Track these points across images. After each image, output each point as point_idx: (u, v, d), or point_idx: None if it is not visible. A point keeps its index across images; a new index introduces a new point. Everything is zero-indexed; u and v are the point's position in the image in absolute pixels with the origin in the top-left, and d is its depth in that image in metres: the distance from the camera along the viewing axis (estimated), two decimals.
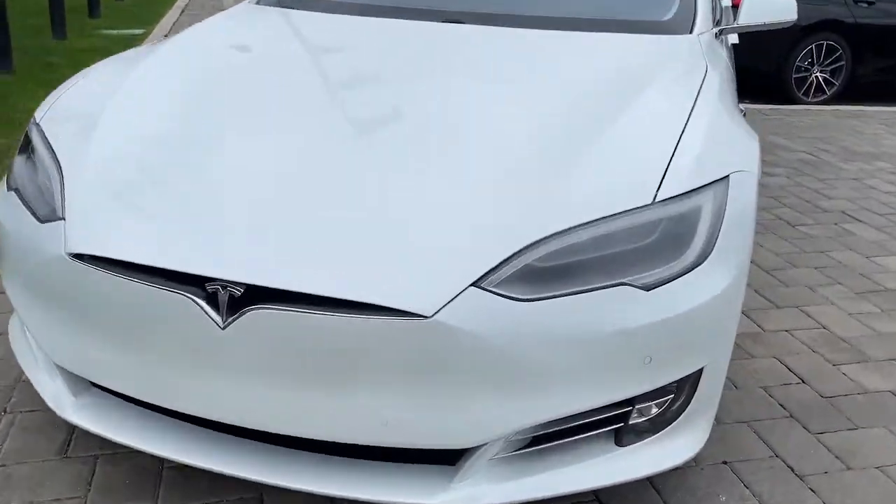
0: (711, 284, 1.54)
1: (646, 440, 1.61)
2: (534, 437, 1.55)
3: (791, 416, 2.18)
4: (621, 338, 1.45)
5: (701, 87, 1.98)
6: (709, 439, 1.73)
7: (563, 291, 1.43)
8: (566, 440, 1.56)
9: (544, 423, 1.50)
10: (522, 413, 1.45)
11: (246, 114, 1.84)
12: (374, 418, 1.44)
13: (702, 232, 1.56)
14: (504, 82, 1.99)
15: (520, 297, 1.41)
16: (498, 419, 1.44)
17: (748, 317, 2.72)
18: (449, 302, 1.37)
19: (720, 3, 2.89)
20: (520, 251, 1.44)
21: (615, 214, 1.50)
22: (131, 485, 1.77)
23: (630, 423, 1.58)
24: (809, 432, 2.11)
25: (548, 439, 1.55)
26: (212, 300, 1.41)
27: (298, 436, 1.48)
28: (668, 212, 1.54)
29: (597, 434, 1.58)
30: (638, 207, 1.52)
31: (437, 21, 2.43)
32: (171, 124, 1.81)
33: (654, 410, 1.60)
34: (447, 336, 1.36)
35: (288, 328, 1.38)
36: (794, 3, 2.69)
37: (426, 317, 1.36)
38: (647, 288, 1.47)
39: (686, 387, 1.61)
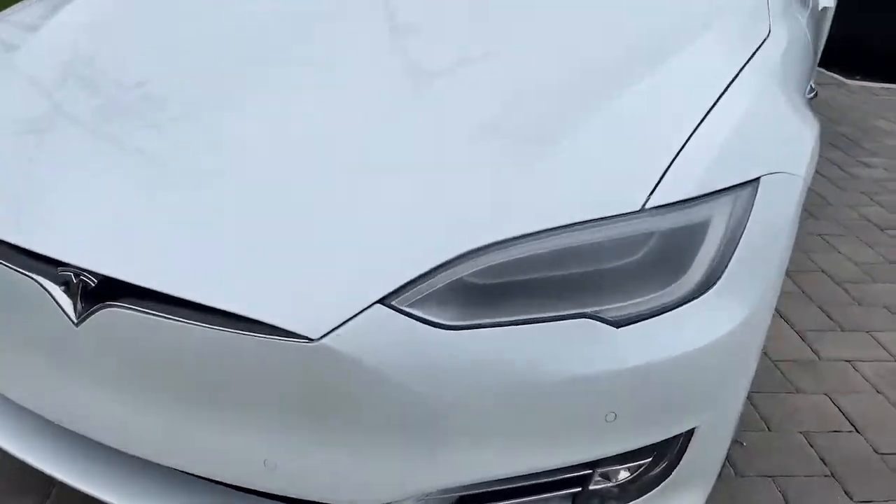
0: (714, 323, 1.16)
1: None
2: (463, 496, 1.22)
3: (832, 475, 1.77)
4: (576, 386, 1.10)
5: (752, 56, 1.55)
6: (716, 495, 1.37)
7: (503, 319, 1.08)
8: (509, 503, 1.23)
9: (474, 485, 1.17)
10: (440, 471, 1.12)
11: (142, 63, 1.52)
12: (252, 459, 1.14)
13: (706, 253, 1.17)
14: (478, 36, 1.58)
15: (443, 322, 1.07)
16: (408, 475, 1.12)
17: (802, 338, 2.28)
18: (344, 323, 1.04)
19: None
20: (448, 262, 1.08)
21: (584, 223, 1.13)
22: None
23: (590, 488, 1.23)
24: (852, 501, 1.70)
25: (483, 500, 1.22)
26: (70, 290, 1.13)
27: (172, 466, 1.20)
28: (659, 224, 1.15)
29: (547, 499, 1.24)
30: (618, 216, 1.14)
31: None
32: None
33: (624, 475, 1.25)
34: (338, 366, 1.04)
35: (147, 335, 1.09)
36: None
37: (311, 339, 1.03)
38: (619, 323, 1.10)
39: (669, 451, 1.24)
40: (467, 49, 1.48)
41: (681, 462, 1.24)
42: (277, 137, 1.26)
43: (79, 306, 1.12)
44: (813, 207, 3.18)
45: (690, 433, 1.22)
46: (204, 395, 1.11)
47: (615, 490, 1.25)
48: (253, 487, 1.17)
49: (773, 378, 2.09)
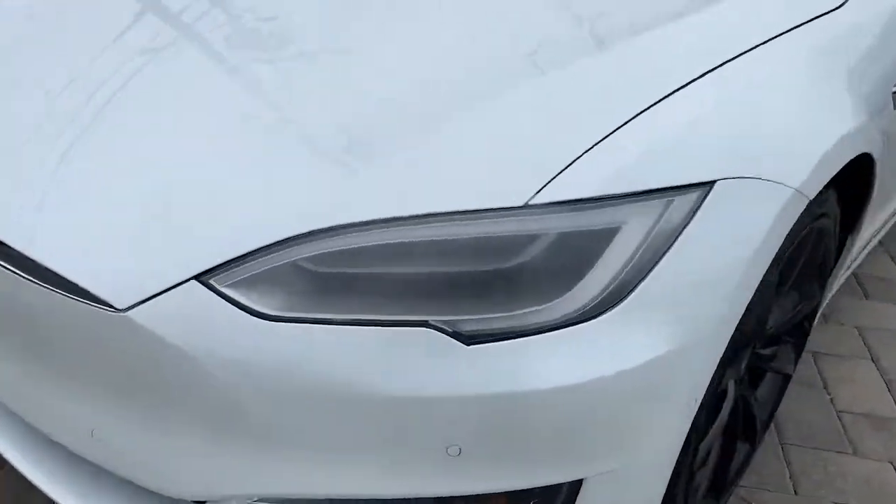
0: (609, 354, 0.92)
1: None
2: None
3: None
4: (406, 407, 0.91)
5: (791, 29, 1.24)
6: None
7: (331, 316, 0.92)
8: None
9: (301, 500, 1.02)
10: (250, 476, 0.99)
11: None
12: (80, 427, 1.07)
13: (608, 266, 0.93)
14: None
15: (262, 310, 0.92)
16: (214, 474, 1.00)
17: (888, 387, 1.87)
18: (153, 296, 0.93)
19: None
20: (281, 242, 0.94)
21: (445, 214, 0.93)
22: None
23: None
24: None
25: None
26: None
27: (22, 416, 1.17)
28: (543, 225, 0.92)
29: None
30: (489, 210, 0.93)
31: None
32: None
33: None
34: (143, 342, 0.93)
35: None
36: None
37: (118, 309, 0.93)
38: (471, 339, 0.90)
39: (554, 502, 1.02)
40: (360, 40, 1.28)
41: None
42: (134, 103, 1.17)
43: None
44: None
45: (576, 486, 0.99)
46: (36, 352, 1.06)
47: None
48: (83, 456, 1.09)
49: (828, 430, 1.73)
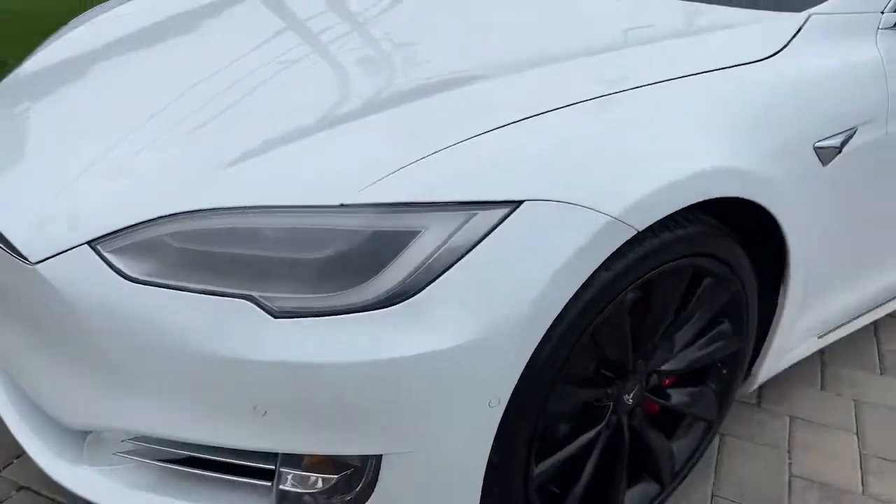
0: (396, 341, 1.06)
1: None
2: (190, 458, 1.26)
3: None
4: (221, 367, 1.09)
5: (701, 73, 1.33)
6: None
7: (175, 283, 1.12)
8: (205, 472, 1.24)
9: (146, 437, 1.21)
10: (119, 415, 1.19)
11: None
12: (15, 358, 1.33)
13: (404, 264, 1.07)
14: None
15: (130, 273, 1.14)
16: (97, 410, 1.21)
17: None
18: (56, 255, 1.17)
19: None
20: (152, 220, 1.15)
21: (275, 207, 1.11)
22: None
23: (281, 487, 1.19)
24: None
25: (195, 465, 1.25)
26: None
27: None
28: (351, 223, 1.08)
29: (252, 487, 1.22)
30: (310, 207, 1.10)
31: None
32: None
33: (312, 486, 1.18)
34: (44, 292, 1.18)
35: None
36: None
37: (30, 262, 1.19)
38: (278, 314, 1.07)
39: (358, 474, 1.15)
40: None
41: (374, 492, 1.14)
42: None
43: None
44: None
45: (377, 460, 1.11)
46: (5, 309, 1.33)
47: (310, 499, 1.18)
48: (22, 388, 1.34)
49: (769, 494, 1.69)
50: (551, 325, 1.12)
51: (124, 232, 1.15)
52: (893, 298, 2.03)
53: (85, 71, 1.66)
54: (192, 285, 1.11)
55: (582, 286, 1.13)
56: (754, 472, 1.74)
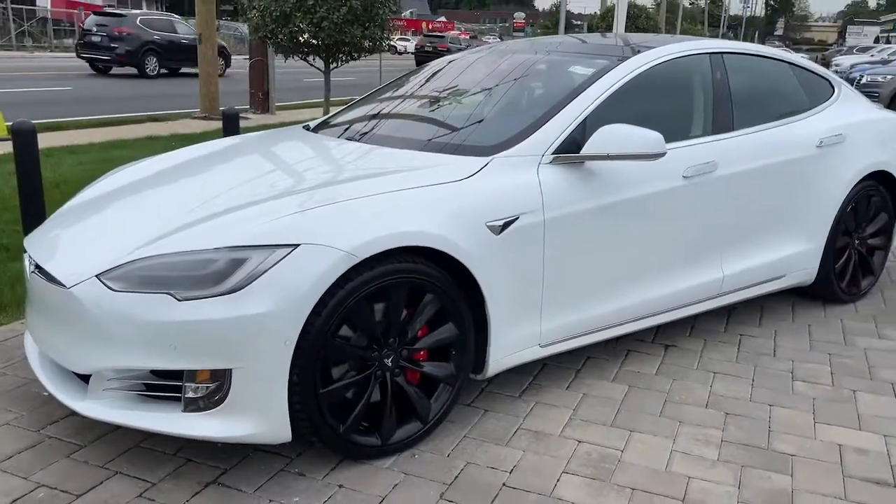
0: (235, 310, 2.26)
1: (202, 413, 2.34)
2: (144, 384, 2.41)
3: None
4: (157, 327, 2.28)
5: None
6: None
7: (134, 290, 2.34)
8: (155, 394, 2.40)
9: (126, 371, 2.37)
10: (107, 360, 2.36)
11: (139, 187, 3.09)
12: (53, 343, 2.53)
13: (242, 272, 2.28)
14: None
15: (113, 287, 2.36)
16: (91, 358, 2.39)
17: None
18: (79, 283, 2.41)
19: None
20: (128, 262, 2.39)
21: (180, 252, 2.36)
22: None
23: (187, 396, 2.35)
24: None
25: (149, 390, 2.41)
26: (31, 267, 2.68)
27: (50, 356, 2.62)
28: (222, 255, 2.31)
29: (171, 398, 2.38)
30: (201, 250, 2.34)
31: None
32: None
33: (201, 392, 2.33)
34: (73, 302, 2.40)
35: (37, 283, 2.58)
36: (659, 137, 2.88)
37: (67, 287, 2.42)
38: (180, 299, 2.28)
39: (218, 382, 2.30)
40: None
41: (230, 391, 2.30)
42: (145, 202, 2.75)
43: (28, 273, 2.65)
44: None
45: (231, 372, 2.28)
46: (39, 309, 2.55)
47: (200, 402, 2.34)
48: (52, 357, 2.54)
49: (501, 434, 2.78)
50: (314, 309, 2.30)
51: (111, 270, 2.39)
52: (617, 325, 3.18)
53: (120, 192, 2.99)
54: (142, 291, 2.32)
55: (332, 286, 2.33)
56: (496, 427, 2.84)
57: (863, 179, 4.05)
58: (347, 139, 3.36)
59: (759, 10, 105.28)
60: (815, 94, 4.06)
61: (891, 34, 60.32)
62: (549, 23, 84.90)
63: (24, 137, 4.36)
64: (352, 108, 3.99)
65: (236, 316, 2.25)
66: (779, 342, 3.71)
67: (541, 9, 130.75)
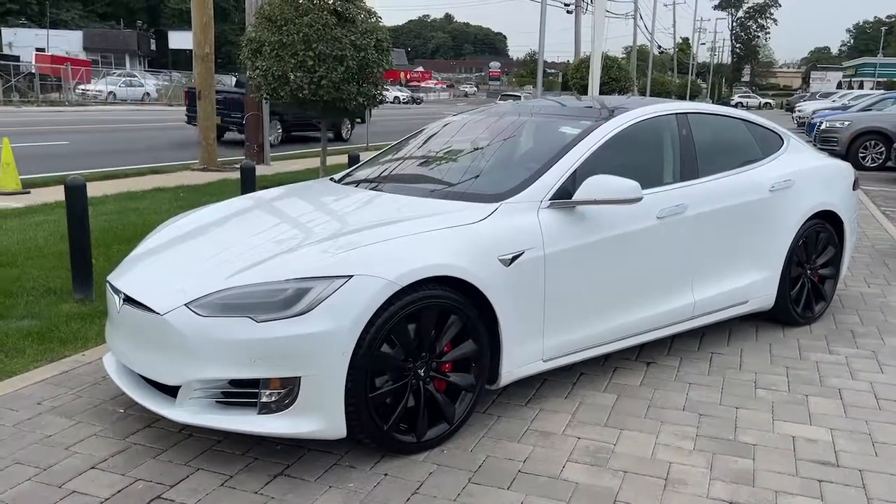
0: (304, 328, 2.81)
1: (274, 414, 2.87)
2: (222, 392, 2.95)
3: None
4: (239, 344, 2.83)
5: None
6: None
7: (218, 315, 2.89)
8: (233, 400, 2.93)
9: (211, 382, 2.91)
10: (194, 372, 2.90)
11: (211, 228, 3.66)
12: (144, 362, 3.06)
13: (307, 301, 2.84)
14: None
15: (200, 314, 2.91)
16: (181, 372, 2.92)
17: None
18: (171, 311, 2.95)
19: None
20: (212, 293, 2.95)
21: (257, 283, 2.92)
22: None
23: (262, 401, 2.88)
24: None
25: (227, 397, 2.95)
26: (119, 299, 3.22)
27: (140, 373, 3.15)
28: (291, 285, 2.88)
29: (248, 404, 2.91)
30: (274, 281, 2.90)
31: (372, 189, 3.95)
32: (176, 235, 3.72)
33: (274, 397, 2.87)
34: (166, 327, 2.94)
35: (131, 313, 3.12)
36: (636, 184, 3.50)
37: (160, 314, 2.96)
38: (259, 321, 2.83)
39: (289, 388, 2.84)
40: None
41: (299, 395, 2.84)
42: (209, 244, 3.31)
43: (118, 304, 3.20)
44: None
45: (299, 380, 2.83)
46: (129, 333, 3.09)
47: (272, 405, 2.87)
48: (141, 373, 3.07)
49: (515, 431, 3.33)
50: (366, 325, 2.87)
51: (198, 300, 2.94)
52: (607, 344, 3.77)
53: (185, 236, 3.56)
54: (225, 317, 2.88)
55: (379, 308, 2.89)
56: (508, 428, 3.39)
57: (810, 218, 4.70)
58: (374, 190, 3.96)
59: (727, 57, 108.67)
60: (766, 145, 4.74)
61: (853, 79, 62.66)
62: (524, 72, 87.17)
63: (75, 192, 4.91)
64: (372, 162, 4.60)
65: (304, 333, 2.81)
66: (744, 358, 4.30)
67: (515, 58, 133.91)
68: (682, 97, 66.10)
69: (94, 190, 9.49)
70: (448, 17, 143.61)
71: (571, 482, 2.95)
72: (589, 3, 35.05)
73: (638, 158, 4.09)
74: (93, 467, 2.97)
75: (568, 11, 32.53)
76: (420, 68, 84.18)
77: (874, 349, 4.49)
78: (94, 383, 3.77)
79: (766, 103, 71.18)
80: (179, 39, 56.29)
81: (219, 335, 2.85)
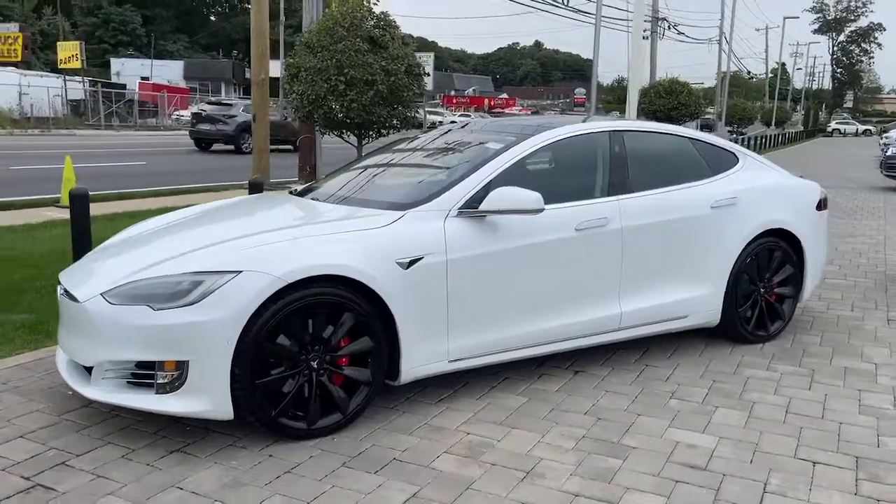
0: (192, 317, 3.14)
1: (168, 394, 3.20)
2: (131, 374, 3.30)
3: None
4: (139, 330, 3.18)
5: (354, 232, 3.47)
6: None
7: (125, 304, 3.25)
8: (138, 381, 3.28)
9: (119, 363, 3.26)
10: (98, 354, 3.27)
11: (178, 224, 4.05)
12: (71, 346, 3.46)
13: (197, 292, 3.17)
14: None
15: (112, 302, 3.28)
16: (94, 353, 3.29)
17: None
18: (90, 299, 3.34)
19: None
20: (121, 284, 3.32)
21: (159, 276, 3.27)
22: None
23: (158, 382, 3.22)
24: None
25: (135, 378, 3.29)
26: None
27: (69, 356, 3.56)
28: (186, 279, 3.21)
29: (148, 385, 3.25)
30: (173, 275, 3.25)
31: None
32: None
33: (168, 378, 3.20)
34: (84, 313, 3.33)
35: (67, 305, 3.52)
36: (539, 196, 3.69)
37: (80, 302, 3.35)
38: (156, 309, 3.18)
39: (180, 371, 3.16)
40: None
41: (188, 379, 3.16)
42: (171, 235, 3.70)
43: (58, 295, 3.61)
44: None
45: (188, 363, 3.15)
46: (70, 325, 3.49)
47: (165, 386, 3.20)
48: (76, 359, 3.46)
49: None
50: (252, 316, 3.16)
51: (110, 290, 3.32)
52: (521, 349, 3.93)
53: (131, 239, 3.99)
54: (129, 305, 3.24)
55: (266, 302, 3.19)
56: (406, 422, 3.60)
57: (760, 235, 4.72)
58: (312, 199, 4.28)
59: (827, 82, 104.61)
60: (717, 164, 4.80)
61: None
62: (611, 97, 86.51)
63: (79, 202, 5.44)
64: (329, 176, 4.93)
65: (192, 321, 3.13)
66: (677, 371, 4.36)
67: (605, 83, 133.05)
68: (767, 123, 64.12)
69: (143, 205, 10.27)
70: (538, 44, 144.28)
71: (437, 471, 3.14)
72: (665, 28, 34.80)
73: (558, 173, 4.26)
74: (21, 436, 3.36)
75: (644, 38, 32.27)
76: (504, 95, 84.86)
77: (816, 368, 4.46)
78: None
79: (867, 130, 68.21)
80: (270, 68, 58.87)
81: (124, 321, 3.21)
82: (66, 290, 3.54)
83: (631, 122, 4.65)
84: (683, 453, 3.32)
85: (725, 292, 4.63)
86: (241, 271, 3.21)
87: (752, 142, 30.76)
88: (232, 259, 3.27)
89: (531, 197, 3.69)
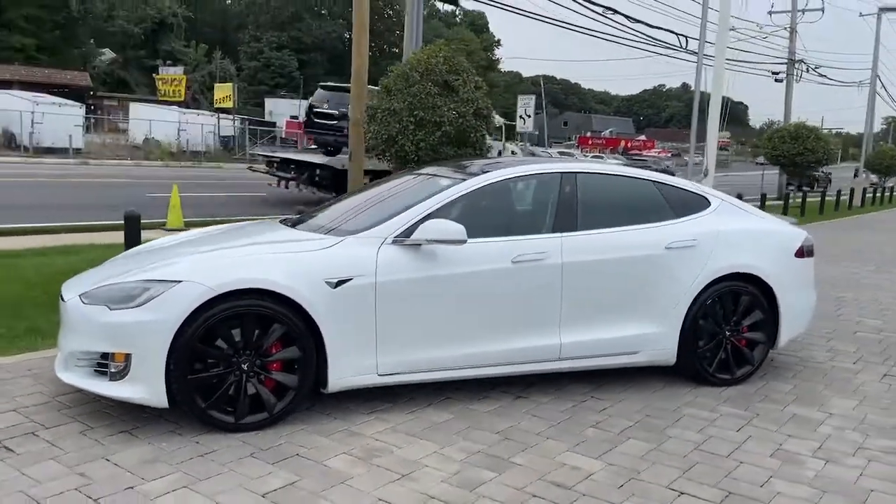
0: (137, 317, 3.73)
1: (117, 381, 3.79)
2: (98, 363, 3.93)
3: None
4: (99, 325, 3.81)
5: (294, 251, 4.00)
6: None
7: (94, 304, 3.90)
8: (101, 369, 3.90)
9: (86, 353, 3.90)
10: (73, 344, 3.92)
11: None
12: (61, 338, 4.15)
13: (144, 297, 3.77)
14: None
15: (86, 302, 3.94)
16: (71, 344, 3.95)
17: None
18: (71, 299, 4.02)
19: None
20: (94, 288, 3.98)
21: (120, 283, 3.89)
22: None
23: (111, 370, 3.82)
24: None
25: (100, 367, 3.92)
26: None
27: (60, 347, 4.26)
28: (138, 286, 3.82)
29: (102, 371, 3.86)
30: (130, 282, 3.87)
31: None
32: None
33: (116, 368, 3.79)
34: (70, 312, 4.01)
35: (60, 304, 4.25)
36: (462, 228, 4.05)
37: (65, 301, 4.04)
38: (112, 309, 3.80)
39: (125, 362, 3.75)
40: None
41: (130, 370, 3.74)
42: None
43: (59, 299, 4.35)
44: None
45: (131, 355, 3.74)
46: (62, 322, 4.19)
47: (115, 374, 3.80)
48: (64, 350, 4.15)
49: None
50: (186, 320, 3.71)
51: (86, 293, 3.98)
52: (453, 369, 4.27)
53: (130, 253, 4.67)
54: (96, 305, 3.88)
55: (199, 308, 3.73)
56: (329, 427, 4.01)
57: (724, 278, 4.78)
58: (287, 226, 4.83)
59: None
60: (682, 207, 4.92)
61: None
62: (759, 140, 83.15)
63: (131, 223, 6.30)
64: (324, 206, 5.47)
65: (136, 320, 3.72)
66: (616, 406, 4.51)
67: (756, 126, 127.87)
68: None
69: None
70: (685, 85, 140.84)
71: (326, 467, 3.53)
72: (804, 71, 33.35)
73: (505, 209, 4.57)
74: (14, 410, 4.07)
75: (777, 80, 31.19)
76: (642, 137, 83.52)
77: (763, 413, 4.46)
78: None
79: None
80: None
81: (90, 317, 3.85)
82: (61, 294, 4.25)
83: (589, 165, 4.90)
84: (560, 473, 3.52)
85: (681, 332, 4.72)
86: (181, 281, 3.78)
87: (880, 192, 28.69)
88: (177, 271, 3.85)
89: (455, 228, 4.04)
